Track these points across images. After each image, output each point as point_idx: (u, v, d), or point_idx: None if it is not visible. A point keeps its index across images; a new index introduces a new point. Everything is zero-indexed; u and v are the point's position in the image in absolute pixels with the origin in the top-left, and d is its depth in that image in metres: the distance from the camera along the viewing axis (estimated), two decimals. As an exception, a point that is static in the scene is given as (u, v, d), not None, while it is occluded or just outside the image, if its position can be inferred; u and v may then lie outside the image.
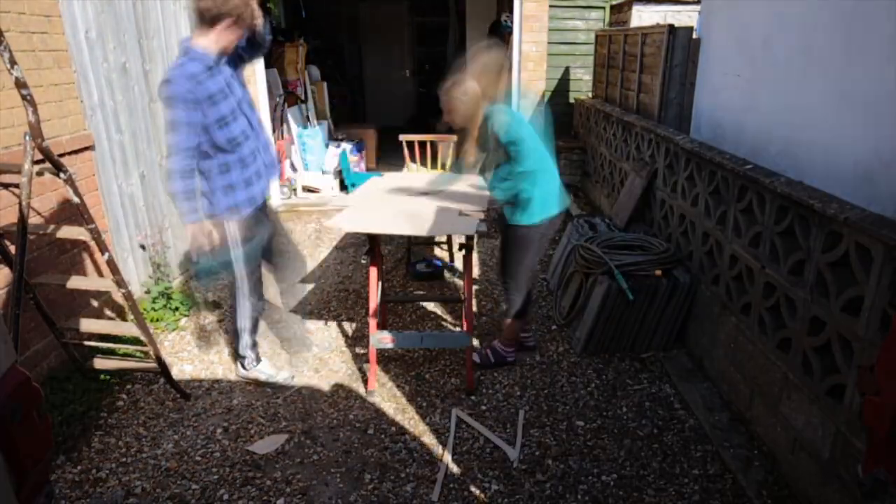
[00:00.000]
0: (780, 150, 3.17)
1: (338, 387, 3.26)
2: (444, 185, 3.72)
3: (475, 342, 3.63)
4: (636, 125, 4.59)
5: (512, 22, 6.49)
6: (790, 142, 3.09)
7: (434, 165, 4.98)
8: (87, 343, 3.25)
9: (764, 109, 3.37)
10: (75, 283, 3.01)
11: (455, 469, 2.63)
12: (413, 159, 5.02)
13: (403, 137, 4.93)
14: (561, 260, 4.33)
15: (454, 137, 4.66)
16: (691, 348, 3.47)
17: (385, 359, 3.51)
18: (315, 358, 3.55)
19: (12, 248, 2.68)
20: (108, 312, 3.71)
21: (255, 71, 6.12)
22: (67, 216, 3.29)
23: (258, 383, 3.25)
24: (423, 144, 4.91)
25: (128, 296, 2.95)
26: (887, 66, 2.40)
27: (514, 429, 2.88)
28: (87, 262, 3.51)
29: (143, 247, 4.05)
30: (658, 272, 3.39)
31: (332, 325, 3.96)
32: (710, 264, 3.30)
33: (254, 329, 3.18)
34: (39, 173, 2.73)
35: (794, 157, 3.05)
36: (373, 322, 3.16)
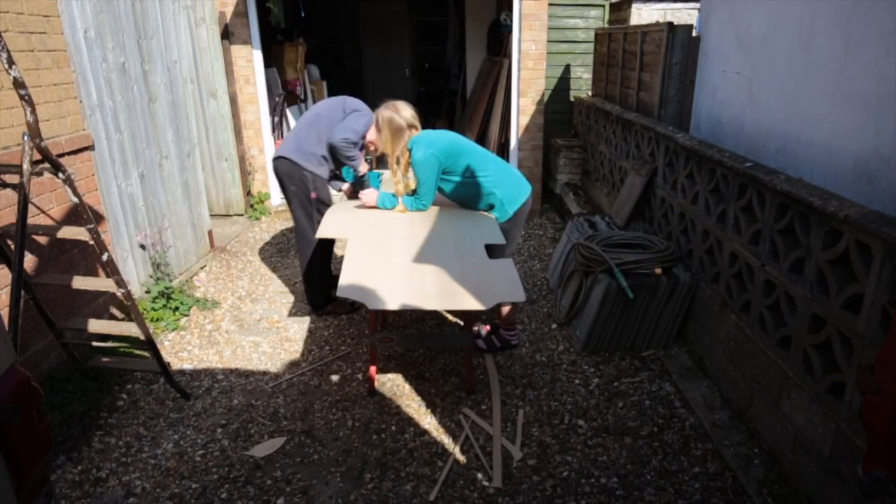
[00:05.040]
0: (780, 148, 3.17)
1: (338, 386, 3.26)
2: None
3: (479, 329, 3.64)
4: (636, 123, 4.59)
5: (511, 21, 6.48)
6: (790, 139, 3.08)
7: None
8: (86, 343, 3.25)
9: (763, 107, 3.36)
10: (75, 283, 3.01)
11: (455, 468, 2.63)
12: None
13: None
14: (561, 259, 4.33)
15: None
16: (691, 346, 3.47)
17: (385, 358, 3.51)
18: (315, 357, 3.55)
19: (13, 248, 2.68)
20: (107, 312, 3.71)
21: (255, 70, 6.11)
22: (67, 216, 3.29)
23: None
24: None
25: (127, 296, 2.95)
26: (887, 62, 2.40)
27: (514, 428, 2.88)
28: (87, 262, 3.51)
29: (142, 246, 4.05)
30: (658, 270, 3.39)
31: (333, 323, 3.96)
32: (710, 262, 3.30)
33: None
34: (38, 173, 2.73)
35: (793, 155, 3.05)
36: (372, 321, 3.16)
